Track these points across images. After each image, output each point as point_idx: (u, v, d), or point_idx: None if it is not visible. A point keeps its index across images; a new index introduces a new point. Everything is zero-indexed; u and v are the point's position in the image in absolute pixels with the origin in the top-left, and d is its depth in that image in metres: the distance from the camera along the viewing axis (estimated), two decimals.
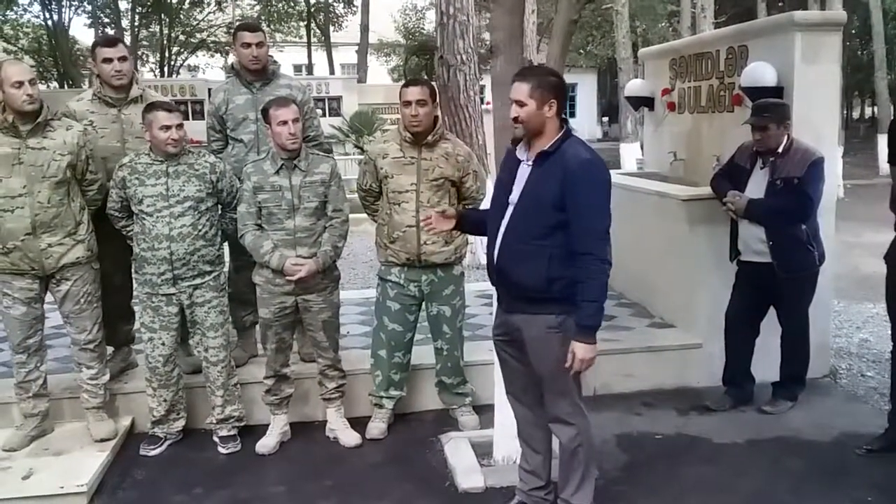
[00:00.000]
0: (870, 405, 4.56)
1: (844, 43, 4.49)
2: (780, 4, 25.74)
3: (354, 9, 28.78)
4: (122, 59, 4.10)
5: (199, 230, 3.88)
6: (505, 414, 3.59)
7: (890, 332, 3.95)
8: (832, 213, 4.74)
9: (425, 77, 18.62)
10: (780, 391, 4.46)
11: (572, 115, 34.41)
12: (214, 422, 4.11)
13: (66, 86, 23.87)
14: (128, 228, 4.00)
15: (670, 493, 3.57)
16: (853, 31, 28.07)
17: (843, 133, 17.34)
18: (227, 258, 4.25)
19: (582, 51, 30.54)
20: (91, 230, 3.95)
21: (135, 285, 3.99)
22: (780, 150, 4.17)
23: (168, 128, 3.78)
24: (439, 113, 4.07)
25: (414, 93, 3.87)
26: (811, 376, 4.57)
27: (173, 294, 3.90)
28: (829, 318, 5.10)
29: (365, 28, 25.46)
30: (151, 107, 3.86)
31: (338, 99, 17.91)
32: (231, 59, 4.50)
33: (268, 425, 4.16)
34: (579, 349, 2.87)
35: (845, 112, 31.50)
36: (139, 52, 27.40)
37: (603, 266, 2.86)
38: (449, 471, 3.80)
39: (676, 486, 3.63)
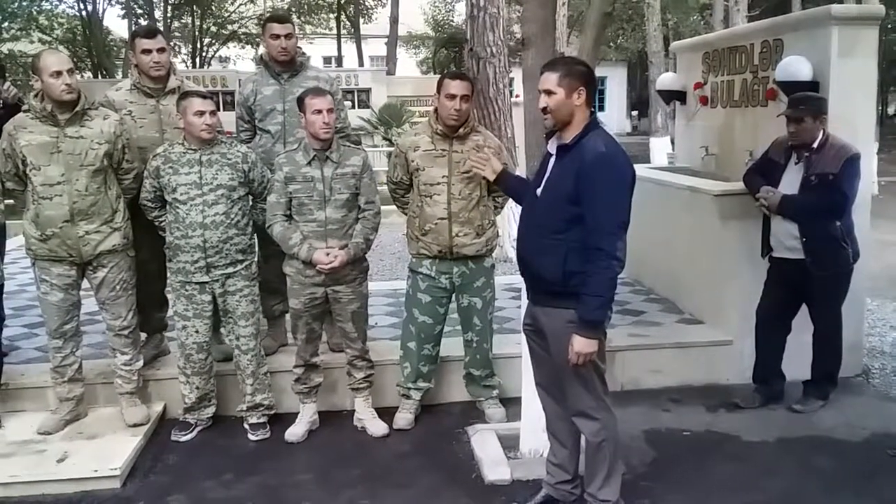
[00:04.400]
0: None
1: (880, 37, 4.43)
2: None
3: (384, 1, 28.80)
4: (161, 50, 4.16)
5: (232, 219, 3.92)
6: (532, 407, 3.59)
7: None
8: (867, 210, 4.68)
9: (457, 70, 18.52)
10: (811, 390, 4.41)
11: (601, 108, 34.16)
12: (244, 409, 4.16)
13: (99, 76, 24.16)
14: (160, 219, 4.06)
15: (698, 490, 3.55)
16: (889, 26, 27.49)
17: (879, 129, 17.03)
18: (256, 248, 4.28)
19: (612, 44, 30.31)
20: (127, 218, 4.02)
21: (168, 274, 4.05)
22: (815, 145, 4.12)
23: (202, 113, 3.83)
24: None
25: (460, 87, 3.87)
26: (843, 375, 4.52)
27: (206, 282, 3.95)
28: (863, 317, 5.04)
29: (394, 20, 25.46)
30: (186, 94, 3.93)
31: (367, 91, 17.91)
32: (261, 50, 4.54)
33: (297, 414, 4.21)
34: (577, 342, 2.87)
35: (880, 108, 30.90)
36: (171, 43, 27.65)
37: (611, 262, 2.83)
38: (475, 462, 3.81)
39: (704, 483, 3.62)
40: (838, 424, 4.19)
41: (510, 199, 3.95)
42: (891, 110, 36.03)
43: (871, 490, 3.55)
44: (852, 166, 4.07)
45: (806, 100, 4.18)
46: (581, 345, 2.86)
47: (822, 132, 4.14)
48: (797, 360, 4.41)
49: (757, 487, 3.58)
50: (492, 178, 3.56)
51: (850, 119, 4.52)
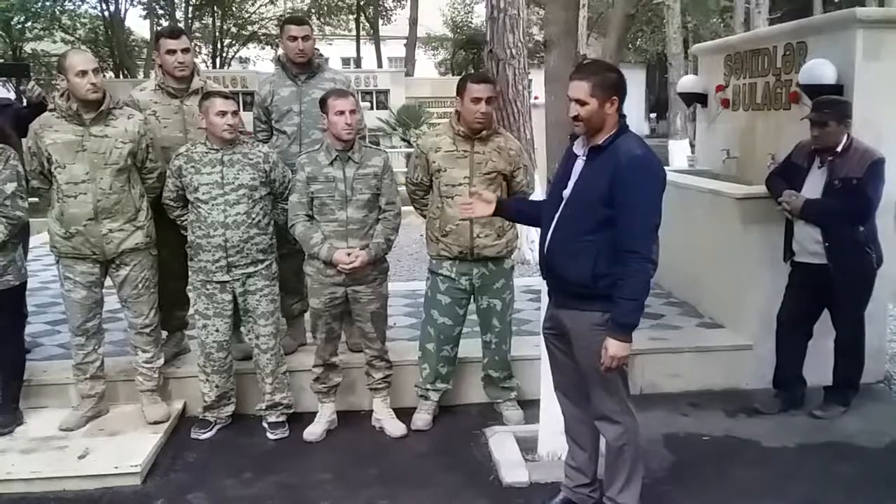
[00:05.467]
0: None
1: None
2: (836, 1, 25.08)
3: (403, 3, 28.85)
4: (185, 50, 4.20)
5: (253, 218, 3.95)
6: (550, 410, 3.58)
7: None
8: (890, 214, 4.61)
9: (480, 73, 18.51)
10: (832, 396, 4.37)
11: None
12: (264, 408, 4.18)
13: (121, 76, 24.36)
14: (182, 218, 4.09)
15: (717, 496, 3.53)
16: None
17: None
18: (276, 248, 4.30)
19: (630, 46, 30.21)
20: (150, 217, 4.05)
21: (189, 273, 4.08)
22: (838, 149, 4.09)
23: (224, 113, 3.85)
24: None
25: (485, 90, 3.87)
26: (865, 381, 4.48)
27: (227, 282, 3.97)
28: (886, 323, 4.99)
29: (413, 22, 25.51)
30: (209, 94, 3.96)
31: (385, 92, 17.96)
32: (280, 51, 4.59)
33: (315, 413, 4.22)
34: (612, 346, 2.85)
35: None
36: (192, 44, 27.77)
37: (645, 265, 2.82)
38: (493, 464, 3.81)
39: (724, 488, 3.59)
40: (859, 431, 4.15)
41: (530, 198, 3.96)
42: None
43: (892, 498, 3.52)
44: (877, 170, 4.03)
45: (830, 103, 4.14)
46: (616, 348, 2.85)
47: (845, 136, 4.10)
48: (818, 366, 4.37)
49: (777, 493, 3.55)
50: (489, 212, 3.36)
51: (875, 123, 4.47)
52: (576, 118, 2.91)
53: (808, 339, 4.38)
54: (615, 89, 2.89)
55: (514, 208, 3.51)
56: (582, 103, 2.87)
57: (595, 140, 2.93)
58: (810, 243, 4.17)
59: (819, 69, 4.61)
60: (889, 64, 4.55)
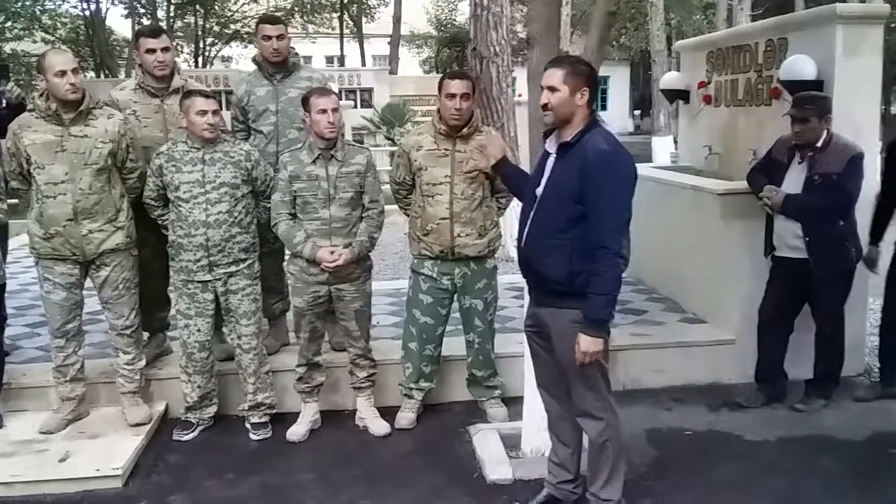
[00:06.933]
0: None
1: (884, 37, 4.43)
2: None
3: (387, 1, 28.81)
4: (165, 49, 4.16)
5: (235, 217, 3.93)
6: (534, 407, 3.59)
7: None
8: (870, 209, 4.65)
9: (457, 69, 18.48)
10: (813, 389, 4.40)
11: (604, 107, 34.12)
12: (246, 408, 4.16)
13: (102, 76, 24.17)
14: (163, 217, 4.06)
15: (700, 490, 3.55)
16: (893, 25, 27.43)
17: (882, 128, 16.93)
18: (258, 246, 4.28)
19: (614, 43, 30.29)
20: (130, 217, 4.02)
21: (171, 272, 4.05)
22: (819, 144, 4.12)
23: (205, 112, 3.83)
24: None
25: (459, 86, 3.86)
26: (846, 375, 4.51)
27: (209, 281, 3.95)
28: (865, 316, 5.02)
29: (397, 20, 25.47)
30: (189, 93, 3.93)
31: (369, 90, 17.96)
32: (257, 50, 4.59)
33: (299, 413, 4.20)
34: (584, 341, 2.87)
35: (883, 107, 30.81)
36: (174, 43, 27.54)
37: (616, 260, 2.83)
38: (477, 462, 3.81)
39: (706, 482, 3.61)
40: (841, 424, 4.19)
41: (514, 200, 3.95)
42: (894, 109, 35.92)
43: (873, 489, 3.55)
44: (856, 165, 4.07)
45: (811, 99, 4.17)
46: (588, 344, 2.86)
47: (826, 131, 4.13)
48: (800, 360, 4.41)
49: (759, 487, 3.57)
50: (487, 165, 3.56)
51: (854, 118, 4.51)
52: (545, 107, 2.94)
53: (790, 334, 4.41)
54: (587, 80, 2.91)
55: (509, 172, 3.63)
56: (553, 90, 2.90)
57: (564, 136, 2.95)
58: (790, 238, 4.20)
59: (799, 65, 4.64)
60: (868, 59, 4.60)
